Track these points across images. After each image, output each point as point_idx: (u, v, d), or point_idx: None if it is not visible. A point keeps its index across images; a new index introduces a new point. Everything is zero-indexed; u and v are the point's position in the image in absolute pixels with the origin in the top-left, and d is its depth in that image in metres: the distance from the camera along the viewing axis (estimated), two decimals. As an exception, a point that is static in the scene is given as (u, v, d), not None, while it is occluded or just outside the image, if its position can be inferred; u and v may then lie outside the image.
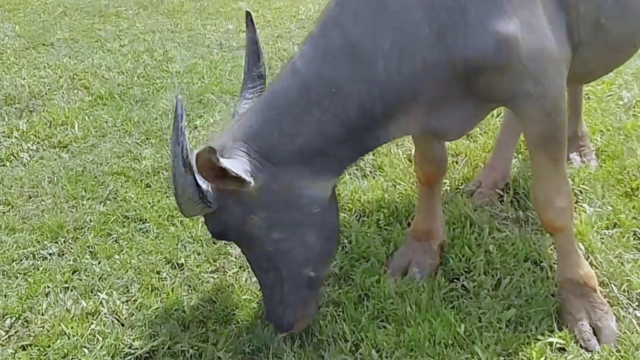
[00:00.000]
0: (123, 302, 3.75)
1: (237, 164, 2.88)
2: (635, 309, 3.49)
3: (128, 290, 3.85)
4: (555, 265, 3.78)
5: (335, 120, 2.93)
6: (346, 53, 2.92)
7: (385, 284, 3.72)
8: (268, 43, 6.94)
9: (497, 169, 4.47)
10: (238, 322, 3.58)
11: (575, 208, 4.12)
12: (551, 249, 3.93)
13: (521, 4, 2.92)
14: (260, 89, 3.28)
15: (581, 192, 4.37)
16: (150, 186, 4.73)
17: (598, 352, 3.28)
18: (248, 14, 3.32)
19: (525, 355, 3.30)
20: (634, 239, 3.96)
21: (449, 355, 3.32)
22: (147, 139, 5.32)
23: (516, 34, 2.89)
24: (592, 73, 3.68)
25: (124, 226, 4.34)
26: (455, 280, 3.78)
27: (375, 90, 2.93)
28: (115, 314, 3.69)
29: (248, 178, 2.86)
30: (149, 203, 4.53)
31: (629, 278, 3.64)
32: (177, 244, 4.14)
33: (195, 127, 5.47)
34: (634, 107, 5.29)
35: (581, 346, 3.33)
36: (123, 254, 4.10)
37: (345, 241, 4.07)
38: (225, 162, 2.78)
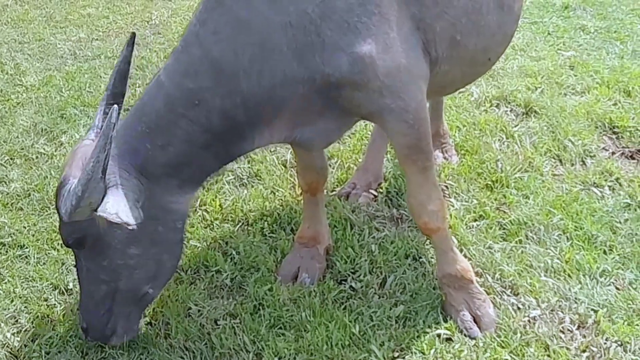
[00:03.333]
0: (13, 334, 3.65)
1: (122, 205, 3.02)
2: (509, 296, 3.81)
3: (17, 321, 3.74)
4: (433, 259, 4.06)
5: (201, 130, 3.11)
6: (207, 67, 3.07)
7: (279, 292, 3.84)
8: (125, 51, 6.80)
9: (370, 171, 4.69)
10: (136, 344, 3.58)
11: (445, 203, 4.42)
12: (427, 245, 4.20)
13: (376, 26, 3.12)
14: (120, 106, 3.33)
15: (447, 188, 4.68)
16: (22, 209, 4.59)
17: (481, 339, 3.55)
18: (133, 35, 3.34)
19: (417, 349, 3.53)
20: (499, 229, 4.30)
21: (347, 356, 3.49)
22: (11, 159, 5.13)
23: (371, 53, 3.09)
24: (452, 85, 3.93)
25: (1, 254, 4.20)
26: (343, 282, 3.96)
27: (237, 101, 3.10)
28: (7, 347, 3.58)
29: (132, 221, 3.01)
30: (24, 227, 4.40)
31: (500, 267, 3.96)
32: (61, 268, 4.06)
33: (61, 144, 5.33)
34: (484, 103, 5.69)
35: (465, 335, 3.60)
36: (5, 283, 3.97)
37: (233, 252, 4.15)
38: (113, 211, 2.98)
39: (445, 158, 4.99)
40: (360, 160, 4.94)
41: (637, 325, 3.59)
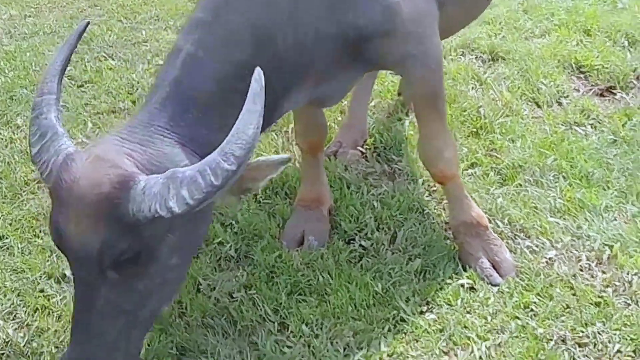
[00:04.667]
0: (16, 330, 3.38)
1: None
2: (523, 239, 3.78)
3: (15, 316, 3.47)
4: (437, 211, 3.99)
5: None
6: (249, 34, 2.82)
7: (290, 258, 3.70)
8: (63, 26, 6.43)
9: (355, 127, 4.58)
10: (153, 327, 3.37)
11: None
12: (428, 197, 4.12)
13: None
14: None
15: (434, 139, 4.60)
16: (-11, 198, 4.26)
17: (504, 284, 3.51)
18: (87, 24, 3.03)
19: (443, 301, 3.47)
20: (495, 174, 4.26)
21: (375, 315, 3.39)
22: (-32, 146, 4.76)
23: (398, 1, 3.02)
24: (453, 28, 3.90)
25: (-20, 248, 3.89)
26: (352, 242, 3.85)
27: (277, 65, 2.87)
28: (12, 345, 3.31)
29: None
30: (-1, 217, 4.09)
31: (507, 212, 3.92)
32: (51, 257, 3.79)
33: (18, 127, 4.98)
34: (450, 53, 5.62)
35: (487, 282, 3.55)
36: (-7, 277, 3.67)
37: (232, 222, 3.97)
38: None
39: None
40: (341, 118, 4.81)
41: (653, 255, 3.62)
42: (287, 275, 3.60)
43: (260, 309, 3.44)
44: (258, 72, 2.47)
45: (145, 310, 2.67)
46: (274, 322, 3.38)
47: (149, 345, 3.28)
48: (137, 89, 5.27)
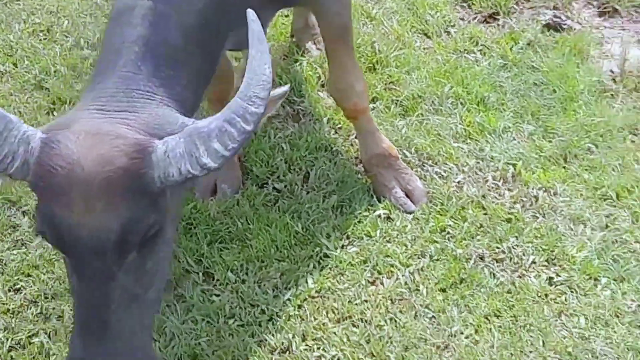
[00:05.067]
0: None
1: None
2: (431, 166, 3.88)
3: None
4: (345, 147, 4.03)
5: (204, 53, 2.68)
6: None
7: (206, 208, 3.65)
8: None
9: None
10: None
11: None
12: (334, 134, 4.15)
13: None
14: None
15: (332, 77, 4.62)
16: None
17: (420, 210, 3.60)
18: None
19: (363, 233, 3.53)
20: (397, 106, 4.32)
21: (299, 254, 3.43)
22: None
23: None
24: None
25: None
26: (265, 186, 3.84)
27: (225, 9, 2.74)
28: None
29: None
30: None
31: (413, 141, 4.00)
32: None
33: None
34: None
35: (402, 211, 3.63)
36: None
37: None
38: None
39: (319, 49, 4.90)
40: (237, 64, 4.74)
41: (554, 170, 3.80)
42: (205, 225, 3.56)
43: (183, 261, 3.40)
44: (252, 13, 2.34)
45: (153, 291, 2.44)
46: (198, 273, 3.35)
47: (71, 312, 3.18)
48: (16, 50, 4.99)
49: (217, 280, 3.32)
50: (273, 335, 3.08)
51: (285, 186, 3.81)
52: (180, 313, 3.19)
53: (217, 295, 3.26)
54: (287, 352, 3.04)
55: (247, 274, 3.34)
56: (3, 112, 2.23)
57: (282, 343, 3.06)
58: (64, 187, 2.18)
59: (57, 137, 2.22)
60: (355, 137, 4.00)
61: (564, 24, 5.01)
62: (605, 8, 5.18)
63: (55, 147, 2.20)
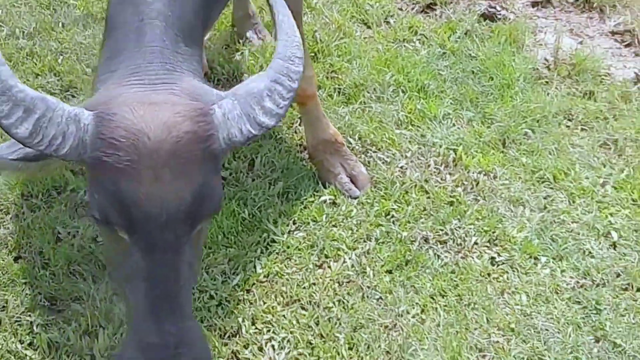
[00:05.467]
0: None
1: None
2: (375, 152, 3.93)
3: None
4: (289, 135, 4.05)
5: (204, 32, 2.77)
6: None
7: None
8: None
9: (194, 60, 4.49)
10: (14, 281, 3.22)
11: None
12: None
13: None
14: None
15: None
16: None
17: (365, 195, 3.66)
18: None
19: (309, 218, 3.57)
20: (339, 94, 4.37)
21: (246, 240, 3.44)
22: None
23: None
24: None
25: None
26: (210, 173, 3.83)
27: None
28: None
29: None
30: None
31: (357, 128, 4.05)
32: None
33: None
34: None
35: (347, 196, 3.68)
36: None
37: (82, 168, 3.80)
38: None
39: (260, 38, 4.91)
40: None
41: (493, 154, 3.90)
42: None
43: (130, 250, 3.36)
44: None
45: (199, 262, 2.39)
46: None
47: (15, 302, 3.14)
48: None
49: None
50: (222, 319, 3.09)
51: (231, 174, 3.81)
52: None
53: (165, 282, 3.23)
54: (237, 336, 3.05)
55: (194, 260, 3.33)
56: (40, 94, 2.13)
57: (232, 327, 3.07)
58: (131, 159, 2.09)
59: (111, 111, 2.13)
60: (300, 125, 4.03)
61: (499, 14, 5.14)
62: (537, -2, 5.34)
63: (114, 120, 2.11)
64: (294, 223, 3.55)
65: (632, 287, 3.24)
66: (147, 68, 2.31)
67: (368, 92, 4.37)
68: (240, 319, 3.09)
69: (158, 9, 2.43)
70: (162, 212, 2.10)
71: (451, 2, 5.36)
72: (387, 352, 2.98)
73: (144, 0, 2.45)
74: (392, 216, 3.56)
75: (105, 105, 2.17)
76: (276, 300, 3.20)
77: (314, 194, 3.68)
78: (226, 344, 3.04)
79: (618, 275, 3.28)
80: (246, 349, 3.03)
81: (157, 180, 2.09)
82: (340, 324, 3.08)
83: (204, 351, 2.22)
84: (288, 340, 3.03)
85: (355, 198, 3.68)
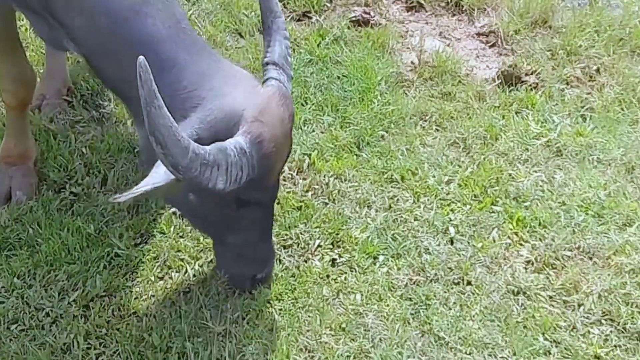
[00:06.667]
0: None
1: None
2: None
3: None
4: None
5: None
6: None
7: (-4, 217, 3.60)
8: None
9: (55, 77, 4.47)
10: None
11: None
12: (136, 135, 4.16)
13: None
14: None
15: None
16: None
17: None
18: None
19: (157, 230, 3.58)
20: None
21: (90, 255, 3.43)
22: None
23: None
24: None
25: None
26: (63, 190, 3.81)
27: None
28: None
29: None
30: None
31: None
32: None
33: None
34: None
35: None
36: None
37: None
38: None
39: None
40: (41, 71, 4.67)
41: (346, 158, 3.95)
42: (-6, 234, 3.51)
43: (-36, 271, 3.33)
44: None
45: None
46: (-18, 282, 3.30)
47: None
48: None
49: (3, 287, 3.28)
50: (55, 337, 3.07)
51: (83, 190, 3.79)
52: (-41, 323, 3.13)
53: (1, 302, 3.21)
54: (68, 353, 3.03)
55: (34, 278, 3.31)
56: (219, 145, 2.57)
57: (64, 344, 3.05)
58: (276, 155, 2.76)
59: (257, 132, 2.67)
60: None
61: (372, 20, 5.22)
62: (411, 3, 5.43)
63: (264, 138, 2.68)
64: (141, 236, 3.55)
65: (463, 280, 3.30)
66: (220, 65, 2.87)
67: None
68: (72, 335, 3.07)
69: (172, 11, 2.87)
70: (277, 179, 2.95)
71: (327, 10, 5.42)
72: (218, 359, 2.99)
73: (156, 11, 2.82)
74: (239, 224, 3.58)
75: (250, 126, 2.67)
76: (113, 314, 3.19)
77: (165, 206, 3.68)
78: (56, 362, 3.02)
79: (451, 270, 3.34)
80: (76, 365, 3.02)
81: (284, 160, 2.93)
82: (174, 334, 3.08)
83: None
84: (119, 354, 3.02)
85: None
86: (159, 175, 2.57)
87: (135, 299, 3.25)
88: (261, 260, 3.16)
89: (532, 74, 4.58)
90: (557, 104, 4.36)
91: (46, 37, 3.33)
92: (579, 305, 3.21)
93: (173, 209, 3.54)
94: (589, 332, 3.12)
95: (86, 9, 2.84)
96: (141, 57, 2.28)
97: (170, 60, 2.68)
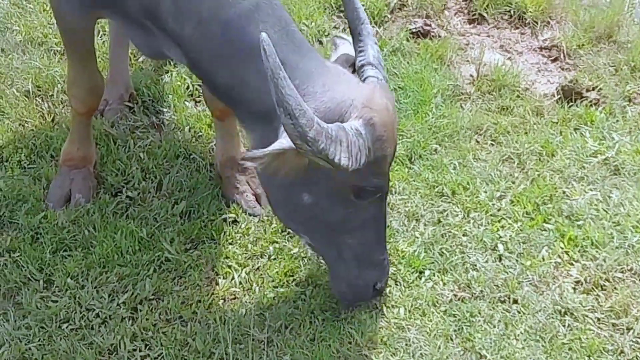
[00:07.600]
0: None
1: None
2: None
3: None
4: (202, 154, 4.12)
5: None
6: None
7: (55, 217, 3.71)
8: None
9: (118, 83, 4.58)
10: None
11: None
12: (193, 142, 4.25)
13: None
14: None
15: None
16: None
17: (265, 215, 3.72)
18: None
19: (206, 236, 3.64)
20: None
21: (141, 259, 3.50)
22: None
23: None
24: None
25: None
26: (119, 194, 3.91)
27: None
28: None
29: None
30: None
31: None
32: None
33: None
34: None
35: (249, 214, 3.74)
36: None
37: (-5, 189, 3.92)
38: None
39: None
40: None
41: (397, 171, 3.94)
42: (52, 235, 3.62)
43: (25, 270, 3.45)
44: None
45: None
46: (39, 281, 3.41)
47: None
48: None
49: (57, 286, 3.38)
50: (103, 337, 3.15)
51: (139, 194, 3.89)
52: (16, 320, 3.24)
53: (55, 302, 3.32)
54: (114, 353, 3.11)
55: (87, 279, 3.41)
56: (338, 124, 2.72)
57: (112, 344, 3.13)
58: (388, 139, 2.88)
59: (370, 115, 2.80)
60: (214, 144, 4.10)
61: (432, 32, 5.20)
62: (473, 15, 5.38)
63: (377, 121, 2.81)
64: (192, 242, 3.62)
65: (510, 298, 3.26)
66: (324, 64, 3.01)
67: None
68: (119, 337, 3.15)
69: (278, 14, 2.98)
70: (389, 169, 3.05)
71: (387, 21, 5.43)
72: (260, 366, 3.03)
73: (266, 15, 2.93)
74: (288, 233, 3.61)
75: (361, 112, 2.81)
76: (159, 317, 3.25)
77: (216, 212, 3.75)
78: (102, 362, 3.11)
79: (497, 287, 3.30)
80: (122, 366, 3.10)
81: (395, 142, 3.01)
82: (217, 339, 3.13)
83: None
84: (163, 357, 3.08)
85: (256, 216, 3.74)
86: (283, 143, 2.69)
87: (182, 303, 3.31)
88: (380, 266, 3.15)
89: (593, 89, 4.49)
90: (617, 121, 4.26)
91: (142, 44, 3.44)
92: (628, 329, 3.14)
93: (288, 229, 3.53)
94: (637, 357, 3.04)
95: (198, 18, 2.95)
96: (263, 33, 2.49)
97: (281, 61, 2.73)
